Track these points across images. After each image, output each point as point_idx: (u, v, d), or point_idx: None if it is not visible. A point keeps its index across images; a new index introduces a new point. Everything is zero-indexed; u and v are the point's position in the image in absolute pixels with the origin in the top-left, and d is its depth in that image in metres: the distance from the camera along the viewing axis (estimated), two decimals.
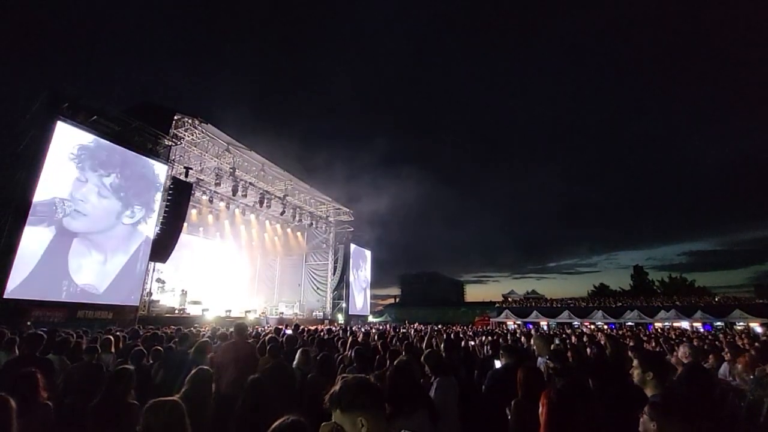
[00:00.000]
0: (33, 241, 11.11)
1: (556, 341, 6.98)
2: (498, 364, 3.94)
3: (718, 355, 5.34)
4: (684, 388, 2.68)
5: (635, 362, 2.46)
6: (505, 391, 2.56)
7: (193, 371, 2.77)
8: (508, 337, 9.28)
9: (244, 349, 4.63)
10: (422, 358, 3.38)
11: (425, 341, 6.47)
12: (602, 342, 6.15)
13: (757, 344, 7.77)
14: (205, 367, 3.05)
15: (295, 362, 4.10)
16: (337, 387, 1.37)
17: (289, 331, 8.56)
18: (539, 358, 4.06)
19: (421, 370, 3.38)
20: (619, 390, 3.09)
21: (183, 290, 18.24)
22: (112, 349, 5.07)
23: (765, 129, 78.51)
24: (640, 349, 4.15)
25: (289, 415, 1.36)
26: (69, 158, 12.10)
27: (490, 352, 5.16)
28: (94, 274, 12.61)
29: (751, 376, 3.54)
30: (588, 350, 5.99)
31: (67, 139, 12.10)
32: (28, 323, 9.68)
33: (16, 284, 10.67)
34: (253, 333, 8.64)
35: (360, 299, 30.73)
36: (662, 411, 1.57)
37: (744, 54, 72.49)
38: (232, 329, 7.60)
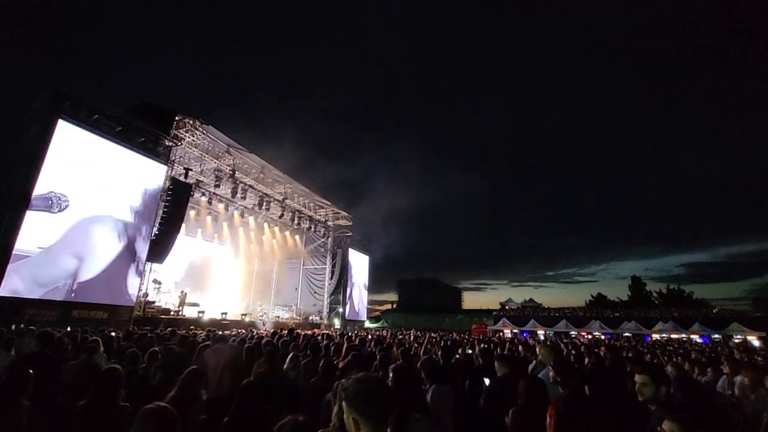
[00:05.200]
0: (30, 239, 11.04)
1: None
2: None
3: (717, 369, 5.31)
4: (689, 402, 2.64)
5: (645, 377, 2.39)
6: (504, 401, 2.52)
7: (185, 372, 2.73)
8: (506, 346, 9.22)
9: (225, 355, 4.62)
10: (419, 364, 3.35)
11: (423, 347, 6.43)
12: (602, 353, 6.12)
13: (759, 358, 7.75)
14: (196, 367, 3.01)
15: (284, 366, 4.08)
16: (353, 378, 1.33)
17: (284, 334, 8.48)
18: (544, 368, 4.00)
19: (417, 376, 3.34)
20: (617, 400, 3.06)
21: (183, 291, 18.10)
22: (102, 349, 5.00)
23: (764, 141, 79.12)
24: (650, 363, 4.11)
25: (291, 416, 1.33)
26: (68, 156, 12.08)
27: (480, 361, 5.09)
28: (89, 273, 12.51)
29: (752, 396, 3.51)
30: (586, 359, 5.97)
31: (68, 138, 12.09)
32: (19, 325, 9.45)
33: (10, 282, 10.59)
34: (249, 336, 8.56)
35: (357, 304, 30.58)
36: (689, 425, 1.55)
37: (746, 64, 73.15)
38: (220, 332, 7.57)
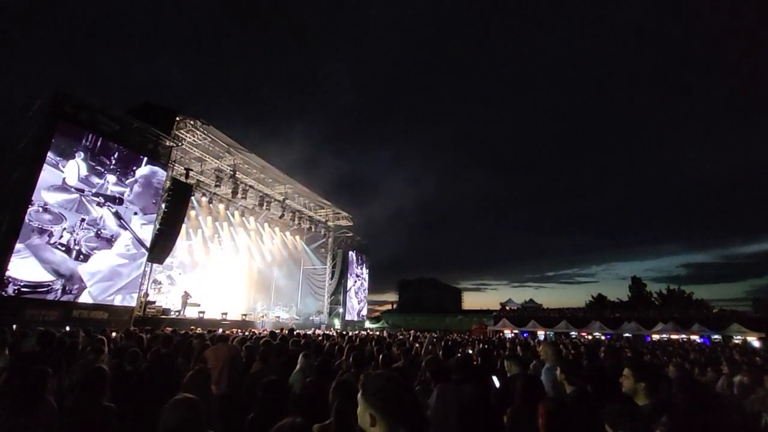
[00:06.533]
0: (30, 239, 11.06)
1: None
2: (495, 377, 3.90)
3: (716, 369, 5.33)
4: (681, 400, 2.66)
5: (626, 371, 2.43)
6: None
7: (191, 371, 2.74)
8: (507, 346, 9.25)
9: (224, 355, 4.64)
10: (423, 364, 3.36)
11: (424, 347, 6.44)
12: (601, 353, 6.13)
13: (758, 358, 7.75)
14: (200, 367, 3.03)
15: (297, 366, 4.11)
16: (374, 372, 1.34)
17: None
18: (543, 366, 4.00)
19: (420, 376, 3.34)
20: (615, 399, 3.07)
21: (186, 292, 18.08)
22: (106, 350, 5.02)
23: (764, 143, 79.22)
24: (633, 359, 4.14)
25: (292, 417, 1.34)
26: (69, 156, 12.10)
27: (479, 361, 5.10)
28: (90, 273, 12.53)
29: (752, 396, 3.53)
30: (584, 360, 5.97)
31: (69, 138, 12.11)
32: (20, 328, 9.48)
33: (10, 282, 10.60)
34: (249, 336, 8.58)
35: (357, 305, 30.58)
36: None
37: (745, 65, 73.16)
38: (220, 331, 7.58)
